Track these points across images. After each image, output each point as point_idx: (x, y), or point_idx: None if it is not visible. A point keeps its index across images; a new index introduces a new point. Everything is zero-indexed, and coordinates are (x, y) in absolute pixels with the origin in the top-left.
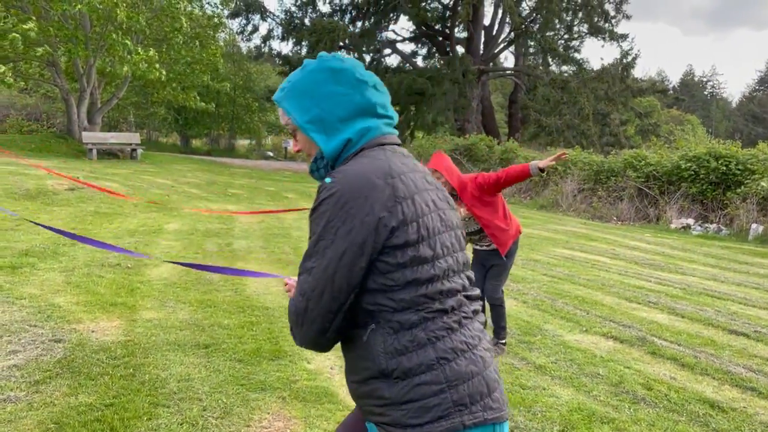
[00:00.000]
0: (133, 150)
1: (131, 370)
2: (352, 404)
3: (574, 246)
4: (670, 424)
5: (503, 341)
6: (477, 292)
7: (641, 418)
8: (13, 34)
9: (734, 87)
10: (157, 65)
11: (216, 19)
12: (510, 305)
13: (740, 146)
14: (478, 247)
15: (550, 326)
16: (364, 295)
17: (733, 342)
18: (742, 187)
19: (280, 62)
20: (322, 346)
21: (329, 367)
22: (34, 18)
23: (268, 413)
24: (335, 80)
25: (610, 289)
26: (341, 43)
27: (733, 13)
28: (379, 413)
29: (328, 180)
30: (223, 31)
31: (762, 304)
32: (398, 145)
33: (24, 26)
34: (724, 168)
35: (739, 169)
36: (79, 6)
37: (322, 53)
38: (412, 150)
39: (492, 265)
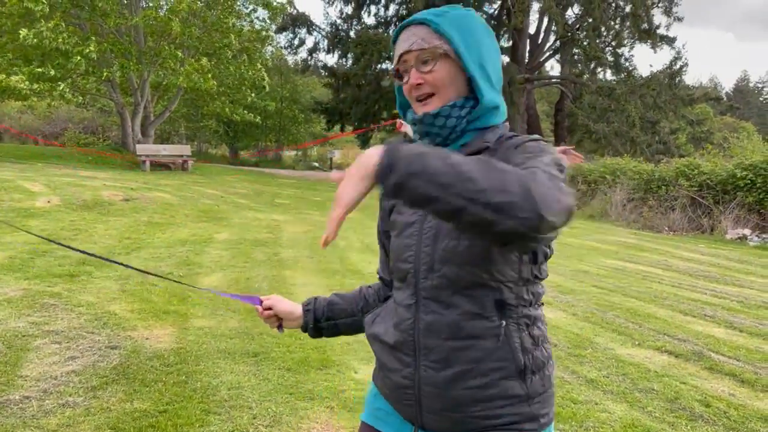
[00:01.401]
0: (185, 162)
1: (183, 377)
2: None
3: (624, 257)
4: None
5: None
6: None
7: None
8: (77, 57)
9: None
10: (210, 74)
11: (264, 33)
12: (559, 317)
13: None
14: None
15: (601, 339)
16: (511, 286)
17: None
18: None
19: (326, 74)
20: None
21: None
22: (93, 38)
23: (317, 423)
24: (492, 38)
25: (663, 302)
26: (386, 55)
27: None
28: (507, 413)
29: (536, 137)
30: (271, 45)
31: None
32: None
33: (86, 48)
34: None
35: None
36: (136, 20)
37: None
38: None
39: None
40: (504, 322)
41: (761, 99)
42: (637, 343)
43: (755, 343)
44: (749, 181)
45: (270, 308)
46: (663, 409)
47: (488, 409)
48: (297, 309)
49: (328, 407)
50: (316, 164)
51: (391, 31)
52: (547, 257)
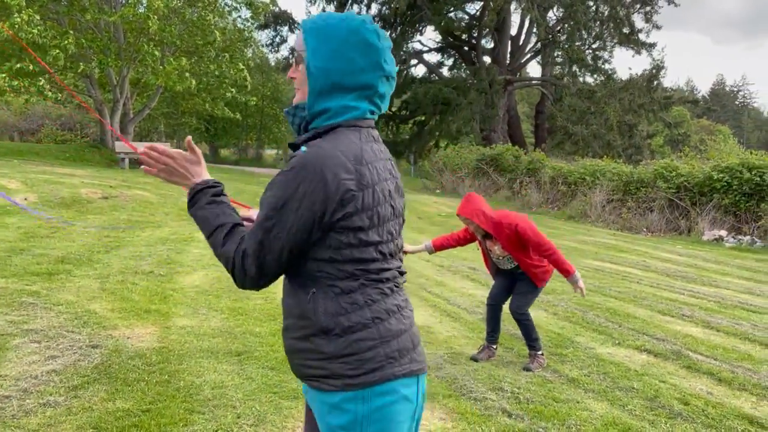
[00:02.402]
0: None
1: (166, 376)
2: None
3: (604, 257)
4: None
5: (540, 352)
6: (404, 270)
7: None
8: (56, 50)
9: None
10: (188, 74)
11: (246, 33)
12: (540, 317)
13: None
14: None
15: (582, 339)
16: (312, 263)
17: None
18: None
19: None
20: (259, 288)
21: None
22: (71, 32)
23: (301, 422)
24: (361, 51)
25: (642, 302)
26: None
27: (764, 22)
28: (316, 366)
29: (303, 149)
30: (252, 45)
31: None
32: (372, 128)
33: (63, 41)
34: (758, 179)
35: None
36: (113, 18)
37: (367, 16)
38: (439, 160)
39: (522, 282)
40: (315, 290)
41: (737, 102)
42: (617, 342)
43: (732, 342)
44: (725, 184)
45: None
46: (643, 407)
47: (304, 360)
48: (198, 171)
49: None
50: None
51: None
52: (351, 246)
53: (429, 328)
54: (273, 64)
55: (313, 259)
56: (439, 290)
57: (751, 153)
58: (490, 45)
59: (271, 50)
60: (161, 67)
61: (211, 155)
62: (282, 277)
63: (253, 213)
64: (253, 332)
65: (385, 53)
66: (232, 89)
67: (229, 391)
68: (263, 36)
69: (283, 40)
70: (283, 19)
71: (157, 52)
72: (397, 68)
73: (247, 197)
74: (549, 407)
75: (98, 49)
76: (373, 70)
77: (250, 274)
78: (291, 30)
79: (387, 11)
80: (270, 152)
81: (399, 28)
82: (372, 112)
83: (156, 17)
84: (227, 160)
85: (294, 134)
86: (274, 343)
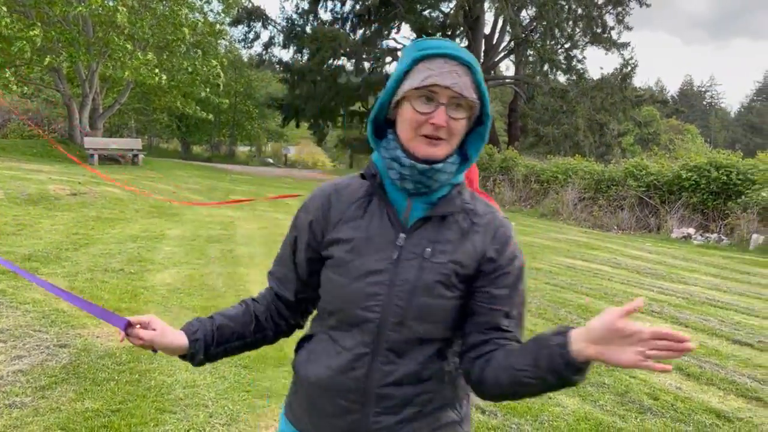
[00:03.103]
0: (135, 156)
1: (137, 375)
2: None
3: (576, 255)
4: None
5: None
6: None
7: (648, 428)
8: (22, 42)
9: (733, 97)
10: (157, 70)
11: (219, 26)
12: None
13: (741, 156)
14: None
15: None
16: (457, 333)
17: (737, 352)
18: (743, 197)
19: (281, 69)
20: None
21: None
22: (38, 24)
23: (275, 420)
24: None
25: (613, 298)
26: (342, 51)
27: (731, 23)
28: (441, 405)
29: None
30: (225, 39)
31: (765, 313)
32: None
33: (30, 33)
34: (725, 178)
35: (739, 179)
36: (80, 8)
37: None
38: None
39: None
40: (448, 363)
41: (704, 102)
42: None
43: (700, 338)
44: (693, 182)
45: (140, 330)
46: (614, 403)
47: None
48: (178, 339)
49: None
50: (271, 160)
51: (347, 28)
52: None
53: None
54: (246, 60)
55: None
56: None
57: (718, 152)
58: (465, 43)
59: (244, 46)
60: (129, 61)
61: (183, 152)
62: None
63: None
64: None
65: None
66: (206, 88)
67: (201, 390)
68: (236, 32)
69: (257, 36)
70: (256, 15)
71: (129, 46)
72: (371, 64)
73: (219, 194)
74: (522, 403)
75: (67, 42)
76: None
77: None
78: (264, 26)
79: (359, 7)
80: (243, 149)
81: (373, 25)
82: None
83: (125, 9)
84: (200, 156)
85: (408, 187)
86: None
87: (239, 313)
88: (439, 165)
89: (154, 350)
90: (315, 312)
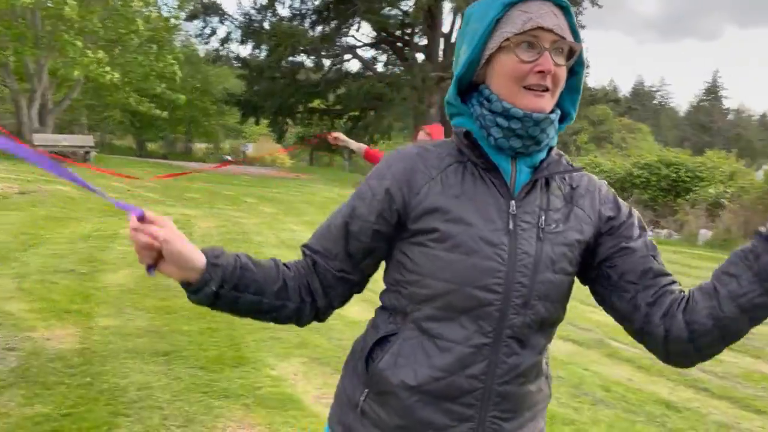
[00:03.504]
0: (87, 153)
1: (89, 378)
2: (317, 410)
3: None
4: (628, 425)
5: None
6: None
7: (601, 419)
8: None
9: (682, 97)
10: (108, 68)
11: (173, 20)
12: None
13: (690, 154)
14: None
15: None
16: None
17: None
18: (691, 193)
19: (239, 65)
20: None
21: (293, 373)
22: None
23: (232, 421)
24: None
25: None
26: (302, 48)
27: (681, 24)
28: (543, 408)
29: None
30: (179, 32)
31: None
32: None
33: None
34: (675, 175)
35: (688, 176)
36: (27, 1)
37: None
38: None
39: None
40: (544, 357)
41: (655, 102)
42: None
43: None
44: (645, 179)
45: (154, 227)
46: (568, 395)
47: (537, 407)
48: (195, 255)
49: (243, 405)
50: (229, 157)
51: (306, 24)
52: None
53: (364, 324)
54: (203, 55)
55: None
56: (374, 286)
57: (668, 150)
58: (424, 42)
59: (200, 41)
60: (81, 58)
61: (137, 149)
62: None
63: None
64: (181, 331)
65: None
66: (162, 84)
67: (155, 392)
68: (192, 27)
69: (213, 32)
70: (212, 9)
71: (78, 43)
72: (329, 62)
73: (176, 192)
74: None
75: (14, 37)
76: None
77: None
78: (221, 21)
79: (319, 4)
80: (200, 146)
81: (332, 22)
82: None
83: (74, 2)
84: (155, 154)
85: (513, 144)
86: (203, 342)
87: (269, 266)
88: (553, 115)
89: (152, 268)
90: (386, 306)
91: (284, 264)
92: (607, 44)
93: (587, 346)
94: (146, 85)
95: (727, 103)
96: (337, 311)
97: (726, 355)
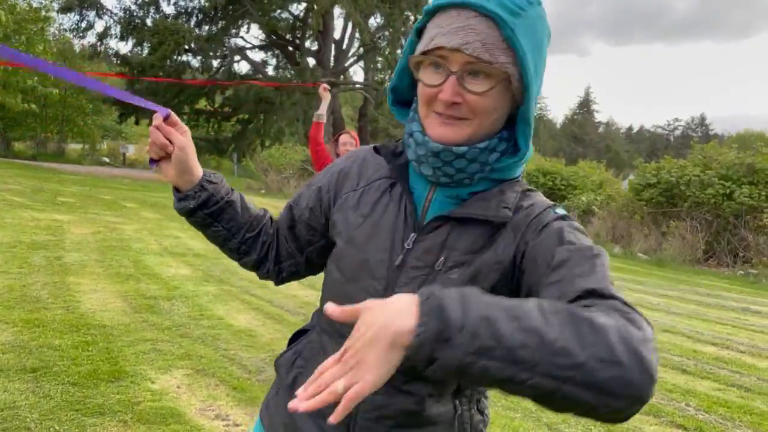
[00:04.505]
0: None
1: None
2: (200, 423)
3: None
4: (507, 421)
5: None
6: None
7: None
8: None
9: (559, 110)
10: None
11: (44, 12)
12: None
13: (564, 164)
14: None
15: None
16: None
17: None
18: (566, 201)
19: (119, 62)
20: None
21: (175, 386)
22: None
23: None
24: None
25: None
26: (186, 47)
27: (558, 40)
28: None
29: (560, 211)
30: (52, 26)
31: None
32: None
33: None
34: (551, 183)
35: (563, 185)
36: None
37: None
38: (263, 160)
39: None
40: (458, 404)
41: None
42: None
43: None
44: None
45: (172, 130)
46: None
47: None
48: (197, 171)
49: (121, 421)
50: (107, 159)
51: (192, 23)
52: None
53: (251, 332)
54: (78, 50)
55: None
56: (263, 293)
57: (545, 160)
58: (315, 47)
59: (75, 35)
60: None
61: (2, 149)
62: None
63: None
64: (51, 345)
65: None
66: (34, 77)
67: (22, 411)
68: (66, 20)
69: (90, 26)
70: (89, 2)
71: None
72: (217, 63)
73: (46, 196)
74: None
75: None
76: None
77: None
78: (99, 16)
79: (206, 3)
80: (75, 147)
81: (220, 22)
82: None
83: None
84: (23, 154)
85: (427, 176)
86: (77, 357)
87: (256, 214)
88: (462, 149)
89: (154, 162)
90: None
91: (270, 218)
92: None
93: None
94: (14, 78)
95: (598, 117)
96: (224, 319)
97: None
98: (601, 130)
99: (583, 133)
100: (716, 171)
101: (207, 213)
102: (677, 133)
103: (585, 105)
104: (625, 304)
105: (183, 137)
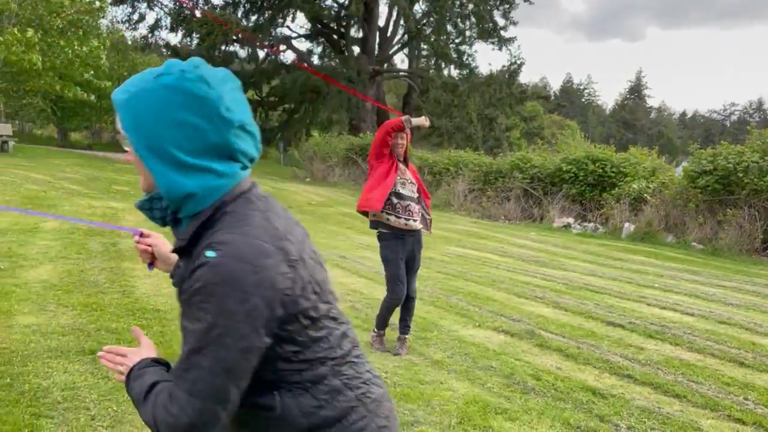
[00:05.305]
0: (4, 142)
1: (8, 380)
2: None
3: (467, 244)
4: (558, 412)
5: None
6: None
7: (532, 407)
8: None
9: (608, 95)
10: (37, 47)
11: (98, 3)
12: None
13: (614, 150)
14: (397, 228)
15: (446, 322)
16: (264, 366)
17: (610, 333)
18: (616, 188)
19: (169, 53)
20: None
21: None
22: None
23: None
24: (192, 109)
25: (500, 285)
26: (234, 37)
27: (607, 25)
28: None
29: (210, 254)
30: (105, 18)
31: (635, 297)
32: (255, 185)
33: None
34: (601, 171)
35: (613, 172)
36: None
37: (190, 61)
38: (309, 148)
39: (413, 252)
40: (278, 394)
41: (583, 99)
42: (477, 324)
43: (578, 320)
44: (573, 175)
45: (148, 244)
46: (500, 385)
47: None
48: (173, 258)
49: None
50: None
51: (239, 13)
52: (306, 328)
53: None
54: (130, 42)
55: (266, 361)
56: None
57: (594, 147)
58: (359, 35)
59: (128, 28)
60: (2, 37)
61: (60, 139)
62: None
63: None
64: (109, 329)
65: (223, 100)
66: (90, 70)
67: (81, 392)
68: (119, 12)
69: (142, 18)
70: None
71: None
72: (264, 52)
73: (101, 184)
74: (415, 389)
75: None
76: (216, 127)
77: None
78: (150, 7)
79: None
80: None
81: (267, 12)
82: (244, 168)
83: None
84: (79, 144)
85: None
86: (132, 340)
87: None
88: (139, 201)
89: (151, 265)
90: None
91: None
92: (539, 42)
93: (519, 337)
94: (71, 71)
95: (649, 102)
96: None
97: (647, 343)
98: (653, 115)
99: (634, 118)
100: None
101: None
102: (734, 118)
103: (636, 90)
104: (168, 394)
105: (155, 239)
